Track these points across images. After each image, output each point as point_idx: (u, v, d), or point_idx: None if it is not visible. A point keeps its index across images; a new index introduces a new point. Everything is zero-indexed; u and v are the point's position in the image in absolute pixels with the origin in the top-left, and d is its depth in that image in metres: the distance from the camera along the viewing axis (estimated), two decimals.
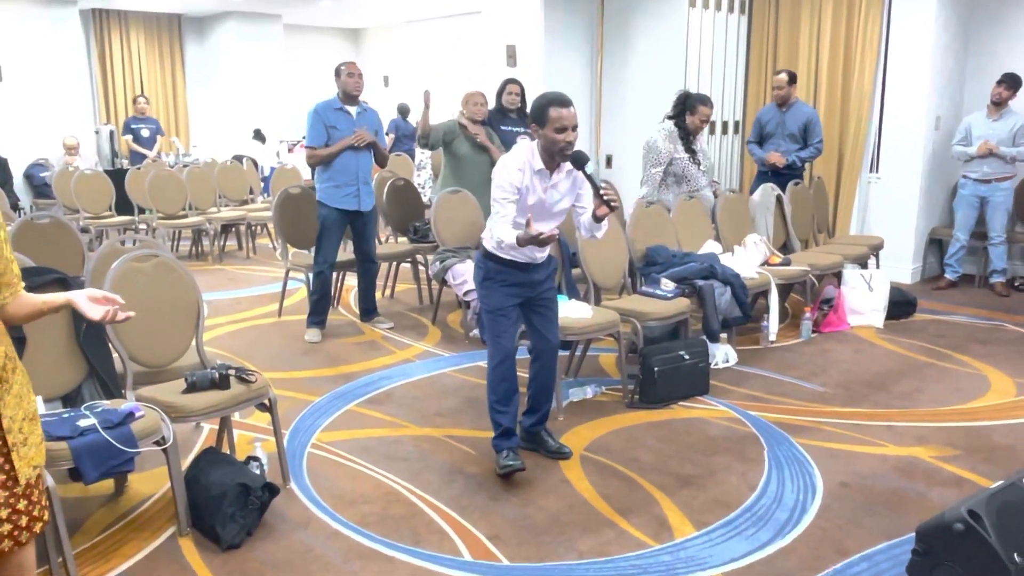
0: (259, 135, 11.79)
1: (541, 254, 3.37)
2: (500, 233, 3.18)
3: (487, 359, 3.41)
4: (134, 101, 10.63)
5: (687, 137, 5.16)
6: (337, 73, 5.14)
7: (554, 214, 3.35)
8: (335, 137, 5.09)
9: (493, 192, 3.23)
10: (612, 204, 3.16)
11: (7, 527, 1.95)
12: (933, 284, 6.72)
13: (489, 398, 3.39)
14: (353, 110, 5.17)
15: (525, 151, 3.23)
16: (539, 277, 3.40)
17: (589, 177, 3.23)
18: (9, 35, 9.84)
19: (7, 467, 1.93)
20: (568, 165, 3.26)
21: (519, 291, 3.36)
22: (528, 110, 5.76)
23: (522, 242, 3.10)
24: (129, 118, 10.53)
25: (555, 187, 3.28)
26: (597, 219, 3.28)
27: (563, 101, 3.14)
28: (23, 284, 2.07)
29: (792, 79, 6.26)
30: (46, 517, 2.06)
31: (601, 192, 3.19)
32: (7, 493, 1.93)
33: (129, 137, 10.26)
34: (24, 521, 1.98)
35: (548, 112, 3.11)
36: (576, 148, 3.19)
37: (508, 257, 3.30)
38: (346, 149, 5.09)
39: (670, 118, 5.21)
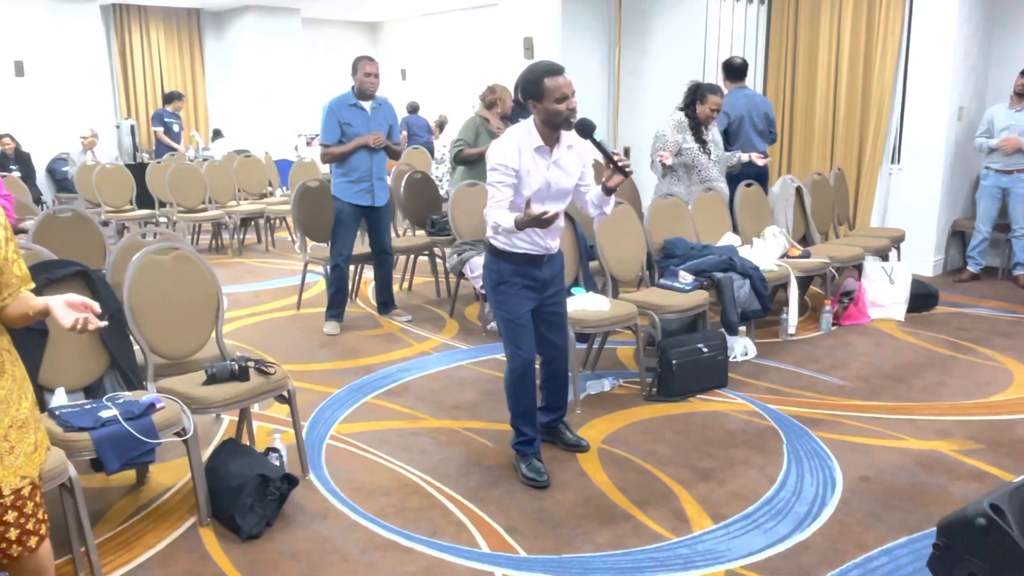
0: (218, 134, 11.83)
1: (553, 241, 3.19)
2: (496, 217, 2.99)
3: (506, 368, 3.28)
4: (178, 97, 10.55)
5: (698, 127, 5.12)
6: (354, 69, 5.11)
7: (561, 195, 3.14)
8: (349, 134, 5.08)
9: (489, 176, 3.05)
10: (627, 170, 2.98)
11: None
12: (955, 276, 6.65)
13: (510, 406, 3.30)
14: (368, 105, 5.15)
15: (519, 130, 3.05)
16: (550, 274, 3.24)
17: (599, 145, 3.00)
18: (31, 31, 9.94)
19: None
20: (569, 139, 3.07)
21: (533, 294, 3.20)
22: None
23: (521, 224, 2.89)
24: (162, 110, 10.50)
25: (558, 164, 3.08)
26: (608, 191, 3.08)
27: (556, 69, 2.95)
28: (29, 285, 2.02)
29: (722, 69, 6.09)
30: (43, 531, 1.99)
31: (616, 159, 2.98)
32: None
33: (161, 129, 10.28)
34: (13, 534, 1.91)
35: (544, 83, 2.92)
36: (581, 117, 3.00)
37: (520, 251, 3.11)
38: (361, 148, 5.08)
39: (681, 109, 5.18)
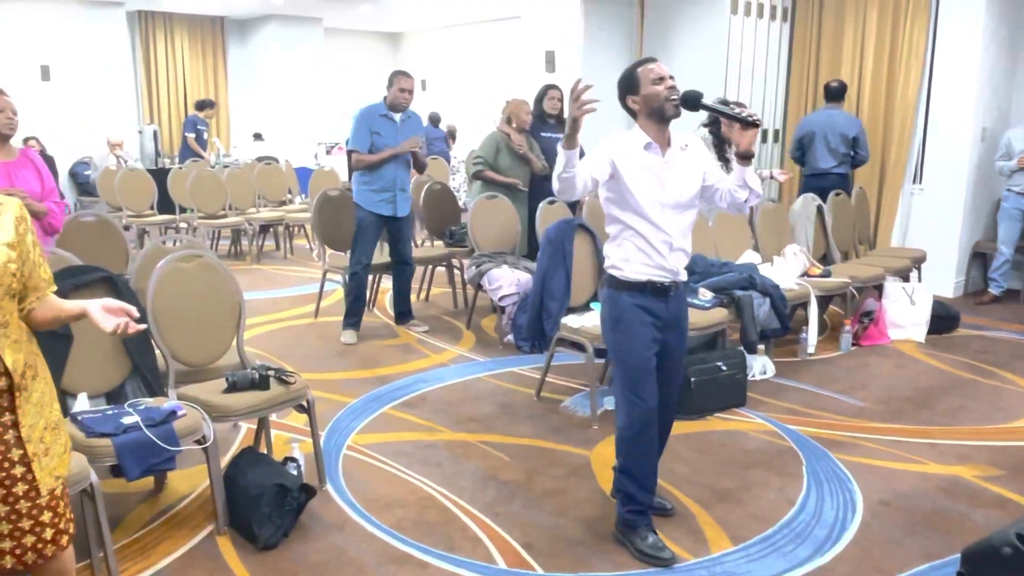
0: (258, 137, 12.01)
1: (679, 263, 2.79)
2: (555, 173, 2.59)
3: (618, 422, 2.86)
4: (210, 105, 10.67)
5: (721, 145, 5.07)
6: (390, 82, 5.17)
7: (679, 205, 2.76)
8: (378, 143, 5.12)
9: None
10: (755, 120, 2.66)
11: (30, 539, 1.92)
12: (977, 298, 6.59)
13: (622, 467, 2.86)
14: (397, 117, 5.20)
15: (626, 134, 2.76)
16: (676, 312, 2.84)
17: (712, 107, 2.73)
18: (56, 36, 10.05)
19: (29, 477, 1.90)
20: (681, 142, 2.79)
21: (656, 334, 2.80)
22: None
23: (568, 136, 2.48)
24: (195, 116, 10.60)
25: (672, 166, 2.74)
26: (744, 156, 2.73)
27: (648, 59, 2.76)
28: (53, 288, 2.05)
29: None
30: (72, 530, 2.03)
31: (737, 112, 2.68)
32: (30, 504, 1.91)
33: (192, 135, 10.38)
34: (49, 534, 1.95)
35: (637, 73, 2.71)
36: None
37: (644, 278, 2.75)
38: (392, 158, 5.12)
39: (705, 126, 5.15)
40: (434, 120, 12.18)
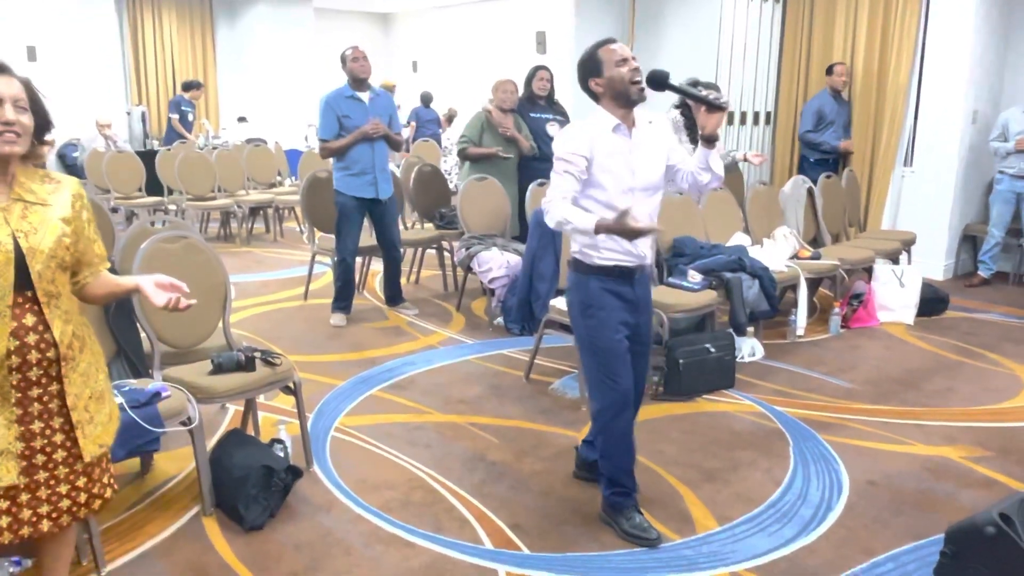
0: (243, 119, 11.97)
1: (647, 248, 2.78)
2: (563, 213, 2.58)
3: (593, 412, 2.87)
4: (196, 86, 10.58)
5: (694, 127, 5.02)
6: (343, 60, 5.05)
7: (648, 188, 2.74)
8: (348, 126, 5.00)
9: (555, 166, 2.68)
10: (722, 103, 2.61)
11: (66, 503, 1.99)
12: (966, 281, 6.60)
13: (602, 451, 2.86)
14: (365, 96, 5.07)
15: (589, 117, 2.71)
16: (641, 294, 2.83)
17: (680, 89, 2.67)
18: (44, 16, 9.94)
19: (69, 444, 1.97)
20: (647, 119, 2.75)
21: (627, 316, 2.78)
22: (567, 91, 4.93)
23: (602, 229, 2.48)
24: (180, 97, 10.51)
25: (641, 148, 2.71)
26: (710, 140, 2.68)
27: (608, 39, 2.70)
28: (107, 264, 2.12)
29: None
30: (107, 495, 2.11)
31: (705, 95, 2.62)
32: (68, 469, 1.98)
33: (176, 116, 10.29)
34: (83, 497, 2.03)
35: (598, 54, 2.66)
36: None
37: (610, 263, 2.72)
38: (361, 140, 5.00)
39: (677, 107, 5.10)
40: (425, 100, 12.06)
